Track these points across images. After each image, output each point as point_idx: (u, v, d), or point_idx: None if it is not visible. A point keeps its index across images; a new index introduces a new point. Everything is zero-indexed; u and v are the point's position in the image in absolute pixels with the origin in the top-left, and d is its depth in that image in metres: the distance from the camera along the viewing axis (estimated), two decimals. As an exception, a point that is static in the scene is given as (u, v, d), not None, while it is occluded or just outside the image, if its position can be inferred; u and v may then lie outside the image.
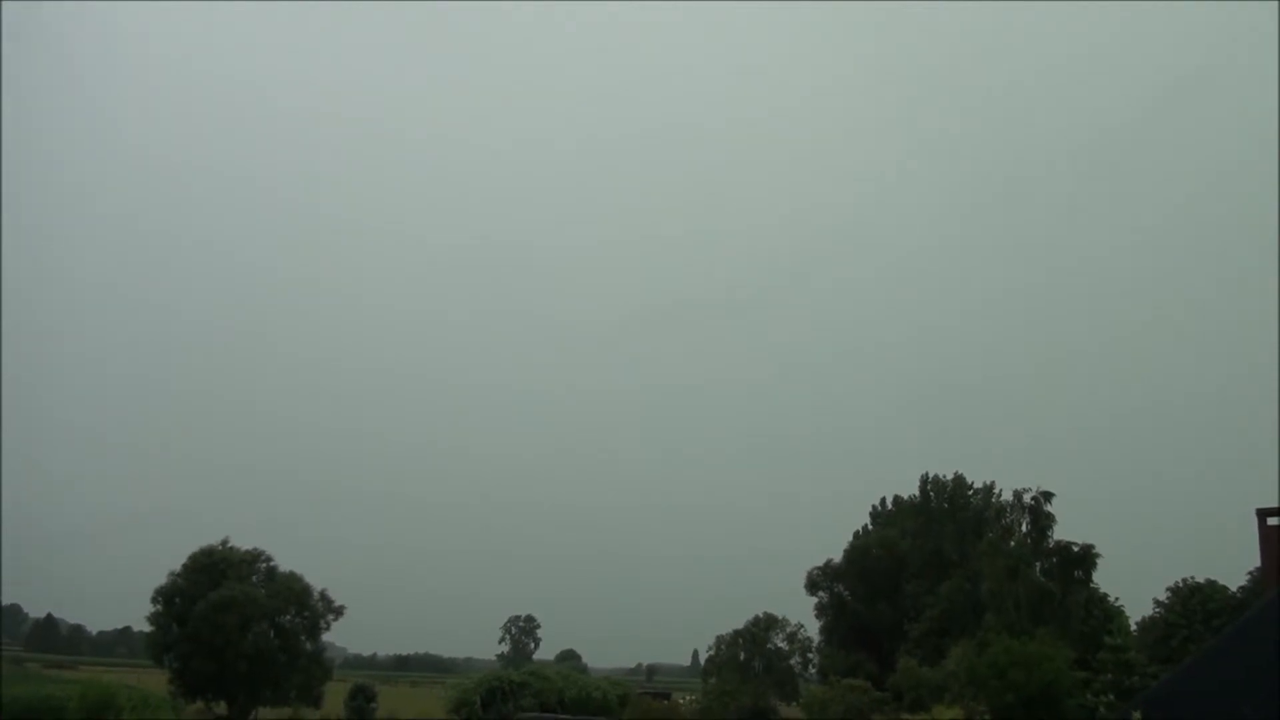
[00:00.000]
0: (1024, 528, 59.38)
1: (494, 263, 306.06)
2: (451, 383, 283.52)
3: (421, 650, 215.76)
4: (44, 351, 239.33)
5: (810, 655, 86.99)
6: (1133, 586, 65.03)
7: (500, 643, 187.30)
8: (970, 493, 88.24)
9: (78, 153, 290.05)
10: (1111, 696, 46.03)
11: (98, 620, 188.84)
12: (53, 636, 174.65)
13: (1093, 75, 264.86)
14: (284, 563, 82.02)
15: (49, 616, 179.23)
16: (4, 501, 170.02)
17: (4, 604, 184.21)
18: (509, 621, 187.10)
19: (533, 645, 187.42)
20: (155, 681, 73.18)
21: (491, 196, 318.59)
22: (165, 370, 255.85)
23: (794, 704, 78.32)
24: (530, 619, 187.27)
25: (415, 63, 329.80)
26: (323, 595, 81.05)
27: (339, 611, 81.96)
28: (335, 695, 78.72)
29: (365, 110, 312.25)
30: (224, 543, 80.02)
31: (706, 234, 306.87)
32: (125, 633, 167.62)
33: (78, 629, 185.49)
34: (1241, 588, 58.67)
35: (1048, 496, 58.50)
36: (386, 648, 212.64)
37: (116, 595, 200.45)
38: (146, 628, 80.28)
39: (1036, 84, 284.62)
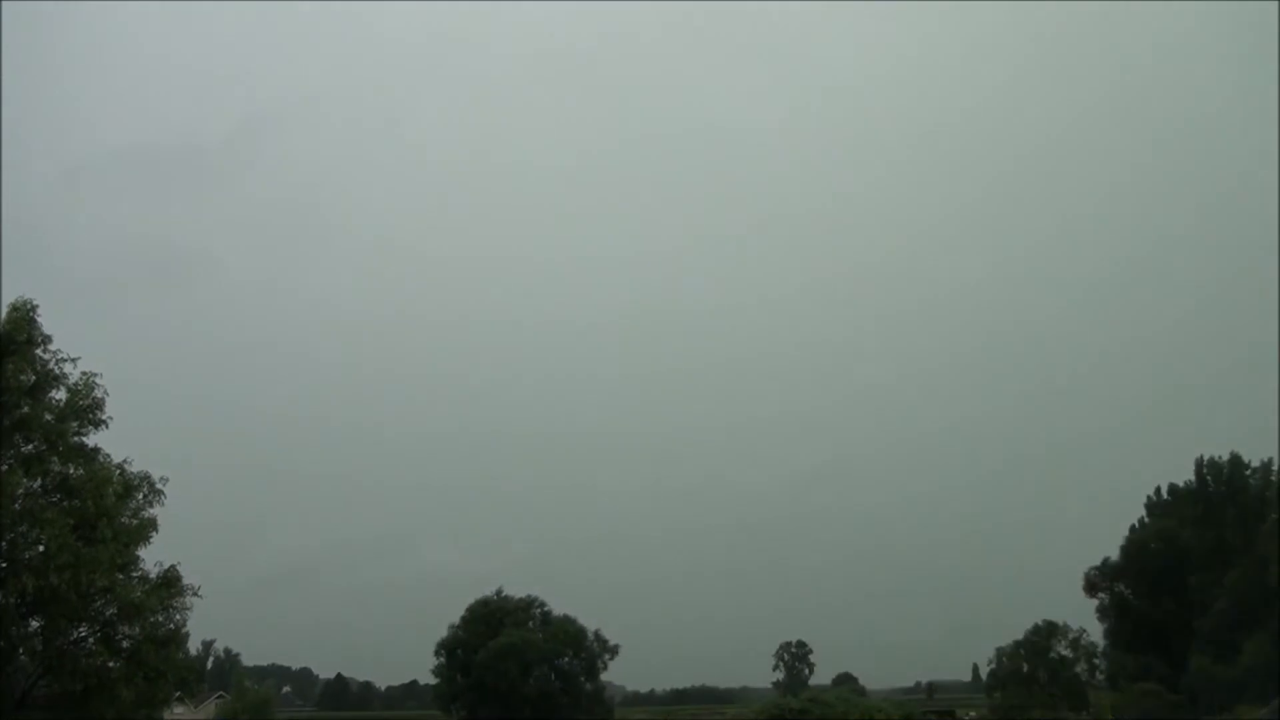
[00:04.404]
0: (1312, 505, 56.11)
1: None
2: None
3: (697, 683, 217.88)
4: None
5: (1096, 661, 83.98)
6: None
7: (774, 670, 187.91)
8: (1249, 473, 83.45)
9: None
10: None
11: (385, 677, 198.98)
12: (343, 695, 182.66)
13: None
14: (556, 607, 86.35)
15: (339, 676, 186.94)
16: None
17: (295, 668, 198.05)
18: (780, 648, 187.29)
19: (807, 671, 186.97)
20: (445, 731, 77.85)
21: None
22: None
23: (1084, 713, 75.93)
24: (801, 644, 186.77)
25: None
26: (597, 635, 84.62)
27: (614, 650, 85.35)
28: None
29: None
30: (498, 592, 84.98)
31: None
32: (412, 686, 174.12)
33: (367, 685, 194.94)
34: None
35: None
36: (662, 683, 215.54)
37: (401, 653, 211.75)
38: (432, 680, 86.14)
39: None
